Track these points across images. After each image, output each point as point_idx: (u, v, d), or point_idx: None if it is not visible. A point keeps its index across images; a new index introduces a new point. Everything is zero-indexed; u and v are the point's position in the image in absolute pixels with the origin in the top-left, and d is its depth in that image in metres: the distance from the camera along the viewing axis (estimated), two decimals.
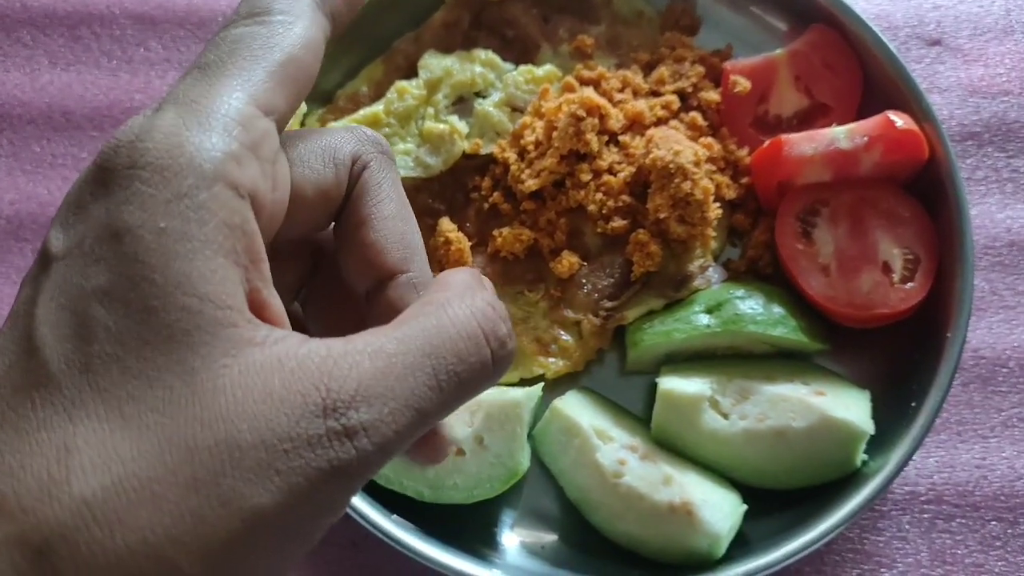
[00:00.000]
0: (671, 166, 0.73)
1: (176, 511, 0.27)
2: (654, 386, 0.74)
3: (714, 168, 0.79)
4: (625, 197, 0.77)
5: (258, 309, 0.32)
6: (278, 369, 0.29)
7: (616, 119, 0.79)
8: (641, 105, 0.80)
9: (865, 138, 0.75)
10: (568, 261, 0.77)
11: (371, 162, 0.38)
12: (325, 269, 0.42)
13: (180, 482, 0.28)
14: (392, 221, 0.37)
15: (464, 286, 0.35)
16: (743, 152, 0.81)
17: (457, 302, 0.34)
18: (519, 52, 0.85)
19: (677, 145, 0.75)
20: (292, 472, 0.28)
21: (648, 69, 0.85)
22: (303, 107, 0.80)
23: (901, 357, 0.76)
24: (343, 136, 0.38)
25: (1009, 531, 0.76)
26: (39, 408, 0.28)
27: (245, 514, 0.28)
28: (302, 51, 0.35)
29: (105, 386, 0.28)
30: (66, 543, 0.27)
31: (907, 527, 0.77)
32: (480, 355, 0.33)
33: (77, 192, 0.31)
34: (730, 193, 0.79)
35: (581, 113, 0.76)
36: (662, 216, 0.75)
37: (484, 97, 0.83)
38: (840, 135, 0.75)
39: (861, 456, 0.71)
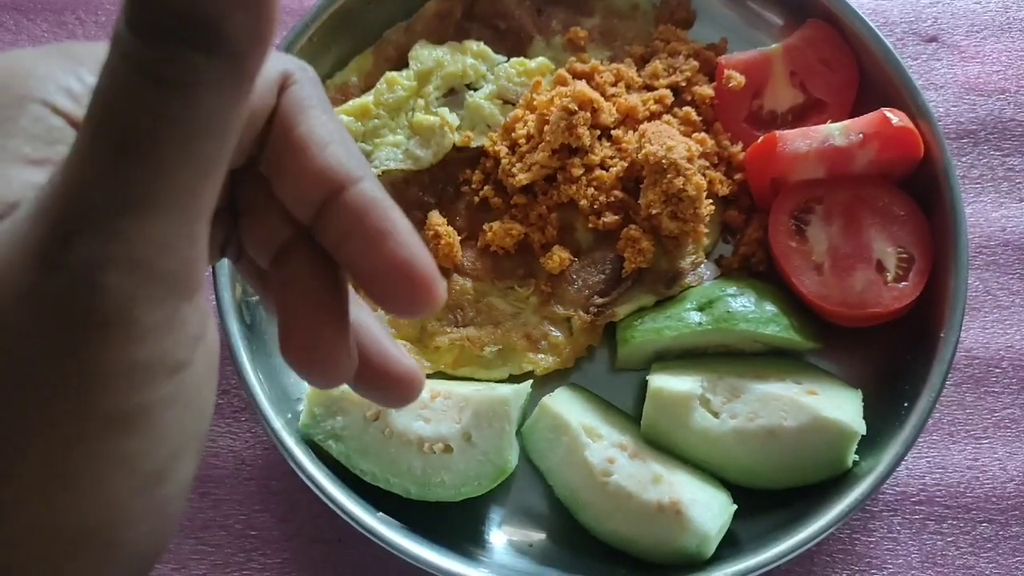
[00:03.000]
0: (664, 161, 0.72)
1: None
2: (645, 383, 0.74)
3: (707, 164, 0.78)
4: (617, 192, 0.77)
5: None
6: (9, 225, 0.25)
7: (609, 113, 0.78)
8: (634, 99, 0.79)
9: (860, 135, 0.74)
10: (559, 256, 0.76)
11: (299, 80, 0.33)
12: (248, 211, 0.36)
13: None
14: (332, 131, 0.32)
15: None
16: (737, 148, 0.80)
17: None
18: (511, 44, 0.84)
19: (670, 140, 0.74)
20: (61, 352, 0.24)
21: (642, 63, 0.84)
22: None
23: (894, 357, 0.75)
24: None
25: (1000, 533, 0.75)
26: None
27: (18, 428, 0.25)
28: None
29: None
30: None
31: (898, 528, 0.76)
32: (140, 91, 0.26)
33: None
34: (723, 189, 0.78)
35: (573, 107, 0.75)
36: (654, 212, 0.74)
37: (475, 89, 0.82)
38: (835, 132, 0.75)
39: (852, 456, 0.70)
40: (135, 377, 0.25)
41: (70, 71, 0.29)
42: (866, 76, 0.79)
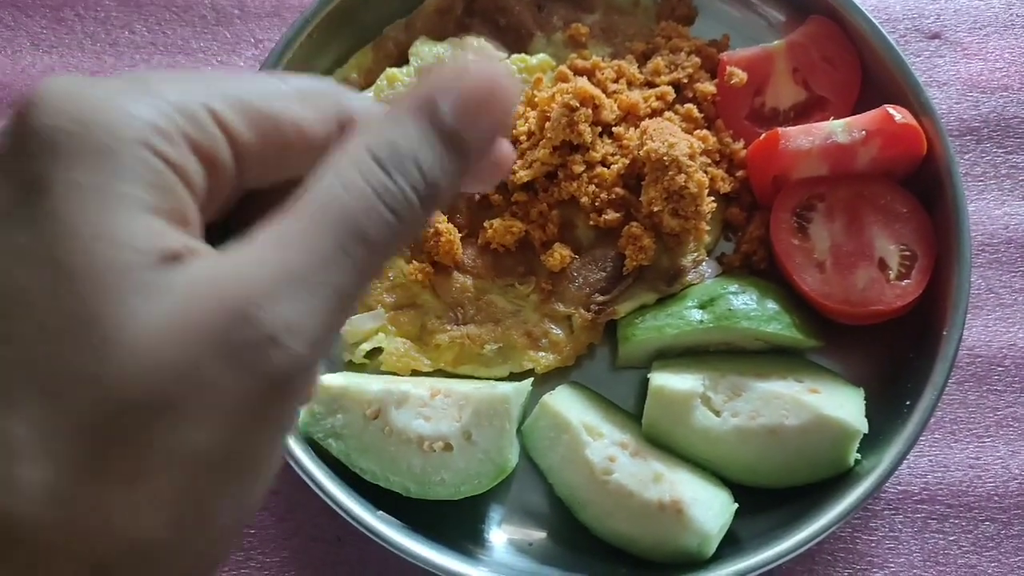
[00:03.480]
0: (665, 158, 0.72)
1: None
2: (646, 381, 0.73)
3: (709, 161, 0.78)
4: (618, 189, 0.76)
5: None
6: (191, 296, 0.27)
7: (610, 110, 0.77)
8: (636, 96, 0.79)
9: (863, 132, 0.73)
10: (560, 254, 0.76)
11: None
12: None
13: (117, 453, 0.26)
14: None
15: (351, 136, 0.32)
16: (739, 145, 0.79)
17: (344, 162, 0.30)
18: (512, 40, 0.84)
19: (672, 137, 0.73)
20: (226, 405, 0.27)
21: (643, 59, 0.83)
22: None
23: (896, 355, 0.75)
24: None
25: (1002, 532, 0.75)
26: None
27: (187, 464, 0.26)
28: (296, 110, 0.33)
29: (29, 355, 0.26)
30: (34, 541, 0.25)
31: (900, 527, 0.76)
32: (377, 214, 0.30)
33: None
34: (725, 186, 0.78)
35: (574, 103, 0.75)
36: (655, 209, 0.73)
37: None
38: (837, 129, 0.74)
39: (854, 455, 0.70)
40: (287, 430, 0.30)
41: (157, 108, 0.29)
42: (869, 73, 0.79)
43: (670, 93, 0.80)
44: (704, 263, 0.77)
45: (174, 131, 0.29)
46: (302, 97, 0.33)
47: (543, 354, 0.76)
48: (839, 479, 0.70)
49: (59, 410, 0.25)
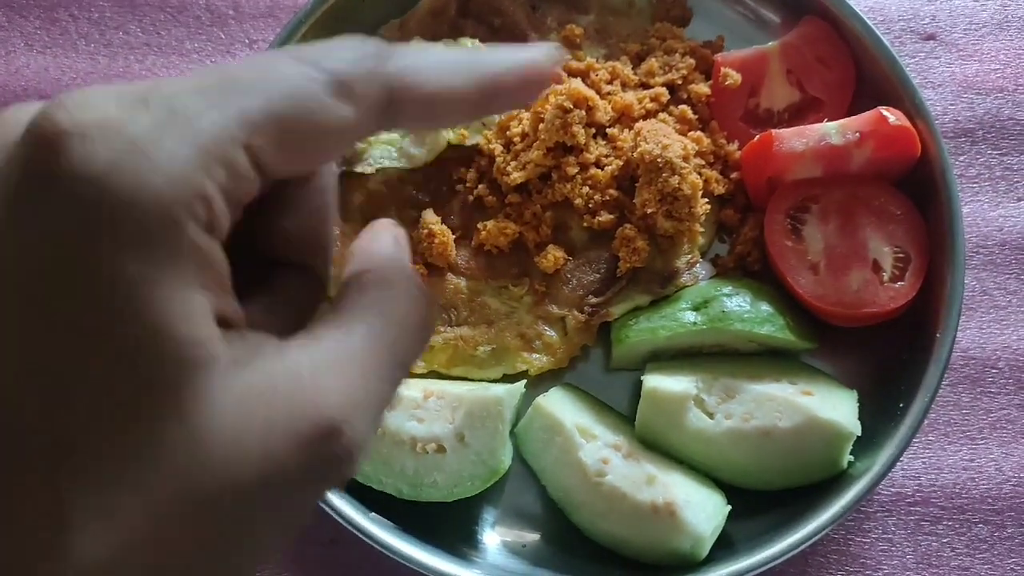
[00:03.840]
0: (659, 160, 0.72)
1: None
2: (639, 383, 0.73)
3: (703, 163, 0.78)
4: (612, 191, 0.76)
5: (225, 325, 0.29)
6: (269, 395, 0.27)
7: (604, 111, 0.77)
8: (630, 97, 0.79)
9: (857, 134, 0.73)
10: (553, 255, 0.76)
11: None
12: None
13: (188, 545, 0.26)
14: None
15: (397, 270, 0.34)
16: (733, 146, 0.79)
17: (400, 292, 0.33)
18: (506, 41, 0.83)
19: (666, 139, 0.73)
20: (296, 505, 0.28)
21: (638, 60, 0.83)
22: None
23: (890, 357, 0.75)
24: None
25: (996, 534, 0.75)
26: (17, 462, 0.25)
27: (252, 555, 0.28)
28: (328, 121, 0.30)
29: (95, 436, 0.25)
30: None
31: (893, 529, 0.76)
32: (422, 344, 0.33)
33: (12, 183, 0.26)
34: (719, 188, 0.78)
35: (568, 105, 0.74)
36: (649, 211, 0.73)
37: None
38: (831, 130, 0.74)
39: (847, 457, 0.70)
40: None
41: (199, 161, 0.27)
42: (863, 74, 0.79)
43: (664, 94, 0.80)
44: (698, 265, 0.77)
45: (214, 191, 0.27)
46: (341, 90, 0.30)
47: (537, 356, 0.76)
48: (832, 481, 0.70)
49: (117, 486, 0.25)
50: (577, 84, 0.76)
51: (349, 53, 0.30)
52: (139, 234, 0.25)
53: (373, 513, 0.70)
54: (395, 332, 0.32)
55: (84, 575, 0.25)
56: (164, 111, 0.26)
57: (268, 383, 0.28)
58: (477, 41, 0.82)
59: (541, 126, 0.76)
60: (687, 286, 0.76)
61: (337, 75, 0.30)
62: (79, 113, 0.25)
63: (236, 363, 0.27)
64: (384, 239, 0.36)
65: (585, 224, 0.77)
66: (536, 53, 0.35)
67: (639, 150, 0.73)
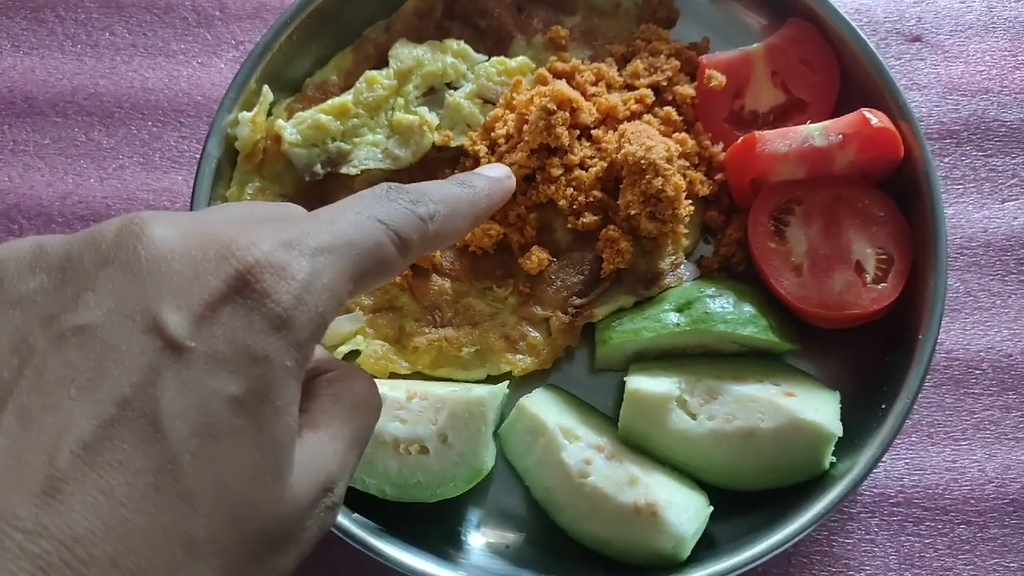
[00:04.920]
0: (643, 162, 0.72)
1: None
2: (623, 384, 0.73)
3: (687, 164, 0.78)
4: (596, 192, 0.76)
5: None
6: (303, 466, 0.40)
7: (589, 113, 0.77)
8: (615, 99, 0.79)
9: (840, 136, 0.74)
10: (537, 257, 0.76)
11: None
12: None
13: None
14: None
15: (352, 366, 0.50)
16: (718, 148, 0.79)
17: (358, 384, 0.48)
18: (492, 43, 0.84)
19: (650, 140, 0.73)
20: (307, 541, 0.41)
21: (623, 62, 0.83)
22: (269, 95, 0.78)
23: (872, 358, 0.75)
24: None
25: (978, 535, 0.75)
26: (160, 491, 0.34)
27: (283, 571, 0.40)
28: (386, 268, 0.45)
29: (225, 480, 0.36)
30: None
31: (876, 530, 0.76)
32: (375, 420, 0.48)
33: (210, 287, 0.37)
34: (704, 189, 0.78)
35: (553, 106, 0.75)
36: (633, 212, 0.74)
37: (455, 88, 0.82)
38: (815, 132, 0.74)
39: (829, 458, 0.70)
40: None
41: (331, 314, 0.42)
42: (848, 76, 0.79)
43: (649, 96, 0.80)
44: (682, 266, 0.77)
45: (331, 319, 0.41)
46: (402, 248, 0.45)
47: (521, 357, 0.76)
48: (814, 482, 0.70)
49: (233, 524, 0.36)
50: (561, 86, 0.76)
51: (406, 216, 0.45)
52: (296, 343, 0.38)
53: (356, 514, 0.70)
54: (358, 415, 0.46)
55: None
56: (313, 263, 0.40)
57: (303, 453, 0.40)
58: (463, 42, 0.82)
59: (525, 127, 0.76)
60: (671, 287, 0.76)
61: (401, 235, 0.44)
62: (268, 253, 0.38)
63: (296, 452, 0.40)
64: (362, 393, 0.48)
65: (569, 225, 0.77)
66: (501, 173, 0.59)
67: (623, 151, 0.73)
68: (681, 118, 0.80)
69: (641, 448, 0.73)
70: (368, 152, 0.79)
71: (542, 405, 0.73)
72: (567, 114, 0.75)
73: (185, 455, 0.35)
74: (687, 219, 0.75)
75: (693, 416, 0.72)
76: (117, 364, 0.35)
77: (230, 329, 0.37)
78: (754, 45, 0.82)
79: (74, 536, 0.32)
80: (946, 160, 0.86)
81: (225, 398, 0.36)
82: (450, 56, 0.81)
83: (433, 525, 0.72)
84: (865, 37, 0.77)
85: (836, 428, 0.69)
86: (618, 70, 0.82)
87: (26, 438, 0.34)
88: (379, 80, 0.80)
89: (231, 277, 0.37)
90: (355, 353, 0.76)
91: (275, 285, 0.38)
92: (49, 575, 0.31)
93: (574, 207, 0.76)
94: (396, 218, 0.44)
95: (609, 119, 0.79)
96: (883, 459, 0.69)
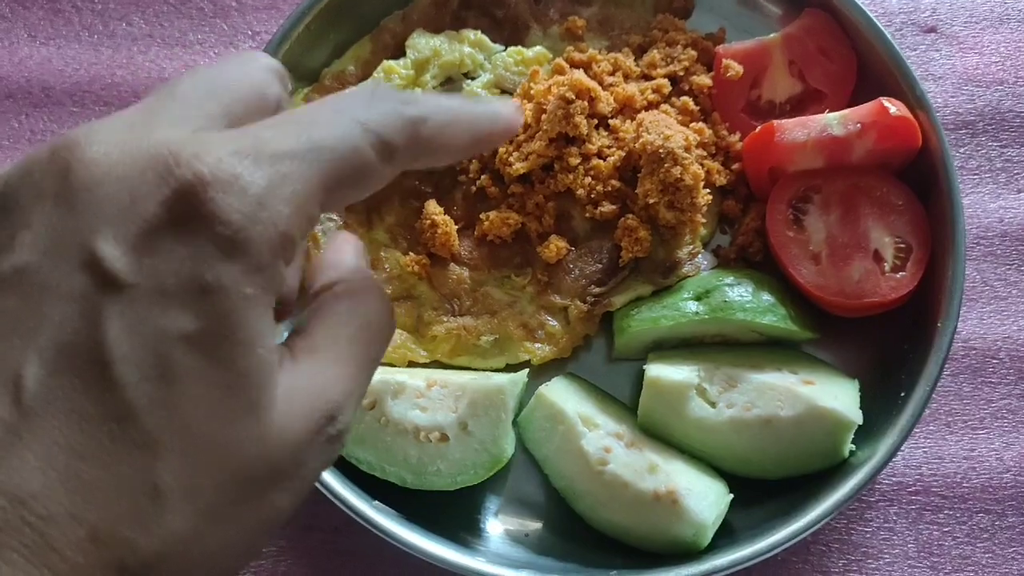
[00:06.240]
0: (661, 151, 0.72)
1: (242, 543, 0.35)
2: (642, 373, 0.73)
3: (705, 153, 0.78)
4: (614, 182, 0.76)
5: None
6: (297, 392, 0.36)
7: (606, 102, 0.77)
8: (632, 89, 0.79)
9: (858, 125, 0.74)
10: (556, 246, 0.76)
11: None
12: None
13: (236, 513, 0.34)
14: None
15: (362, 279, 0.43)
16: (735, 137, 0.80)
17: (368, 299, 0.41)
18: (509, 33, 0.84)
19: (667, 130, 0.74)
20: (306, 477, 0.37)
21: (640, 52, 0.83)
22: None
23: (891, 347, 0.75)
24: None
25: (997, 523, 0.75)
26: (118, 441, 0.31)
27: (276, 518, 0.36)
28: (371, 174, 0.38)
29: (188, 424, 0.32)
30: (161, 570, 0.32)
31: (894, 518, 0.76)
32: (388, 340, 0.42)
33: (148, 212, 0.32)
34: (721, 179, 0.78)
35: (571, 96, 0.75)
36: (651, 201, 0.74)
37: (472, 78, 0.82)
38: (833, 121, 0.74)
39: (848, 446, 0.70)
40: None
41: (296, 223, 0.35)
42: (864, 66, 0.79)
43: (666, 86, 0.80)
44: (700, 255, 0.77)
45: (298, 236, 0.35)
46: (385, 154, 0.38)
47: (539, 345, 0.77)
48: (833, 470, 0.70)
49: (204, 468, 0.33)
50: (579, 75, 0.76)
51: (393, 118, 0.38)
52: (254, 268, 0.33)
53: (377, 501, 0.70)
54: (368, 334, 0.40)
55: (173, 536, 0.32)
56: (272, 173, 0.34)
57: (294, 383, 0.36)
58: (480, 32, 0.82)
59: (544, 117, 0.76)
60: (689, 276, 0.76)
61: (384, 139, 0.37)
62: (214, 167, 0.33)
63: (282, 371, 0.36)
64: (347, 251, 0.44)
65: (587, 214, 0.77)
66: (510, 105, 0.45)
67: (641, 141, 0.73)
68: (698, 108, 0.80)
69: (660, 436, 0.73)
70: None
71: (561, 393, 0.73)
72: (585, 103, 0.75)
73: (140, 400, 0.31)
74: (705, 208, 0.76)
75: (712, 404, 0.72)
76: (56, 308, 0.32)
77: (174, 259, 0.32)
78: (771, 35, 0.82)
79: (30, 492, 0.30)
80: (961, 151, 0.86)
81: (176, 336, 0.32)
82: (467, 46, 0.81)
83: (452, 513, 0.72)
84: (882, 27, 0.77)
85: (856, 416, 0.69)
86: (635, 60, 0.82)
87: None
88: (396, 70, 0.80)
89: (169, 198, 0.32)
90: None
91: (223, 202, 0.32)
92: (6, 533, 0.30)
93: (592, 196, 0.76)
94: (380, 119, 0.37)
95: (626, 109, 0.79)
96: (901, 448, 0.69)
